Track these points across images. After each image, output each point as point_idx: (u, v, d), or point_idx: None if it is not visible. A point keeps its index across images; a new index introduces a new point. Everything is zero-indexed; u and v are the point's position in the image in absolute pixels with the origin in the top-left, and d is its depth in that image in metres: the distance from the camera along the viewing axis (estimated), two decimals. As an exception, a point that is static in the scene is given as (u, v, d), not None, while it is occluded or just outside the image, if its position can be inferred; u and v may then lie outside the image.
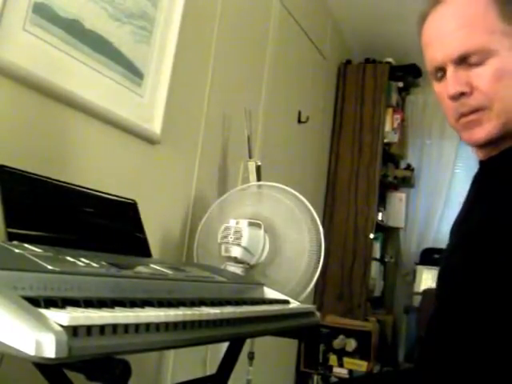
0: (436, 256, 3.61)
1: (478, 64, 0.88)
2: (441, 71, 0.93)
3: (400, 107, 3.90)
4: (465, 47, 0.88)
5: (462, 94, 0.89)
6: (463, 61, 0.89)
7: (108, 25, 1.53)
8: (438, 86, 0.96)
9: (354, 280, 3.42)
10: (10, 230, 0.99)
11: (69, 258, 0.87)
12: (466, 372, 0.85)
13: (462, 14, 0.90)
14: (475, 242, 0.88)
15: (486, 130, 0.90)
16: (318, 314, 1.36)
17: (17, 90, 1.28)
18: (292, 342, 3.00)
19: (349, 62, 3.72)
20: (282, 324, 1.19)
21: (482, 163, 0.99)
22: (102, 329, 0.64)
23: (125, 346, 0.68)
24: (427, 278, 3.64)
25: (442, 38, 0.92)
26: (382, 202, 3.79)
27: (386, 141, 3.61)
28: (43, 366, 1.00)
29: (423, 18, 0.96)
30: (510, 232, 0.82)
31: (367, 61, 3.69)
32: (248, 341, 1.82)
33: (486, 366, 0.83)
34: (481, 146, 0.94)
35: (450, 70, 0.90)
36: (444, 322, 0.93)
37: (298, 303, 1.33)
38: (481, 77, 0.88)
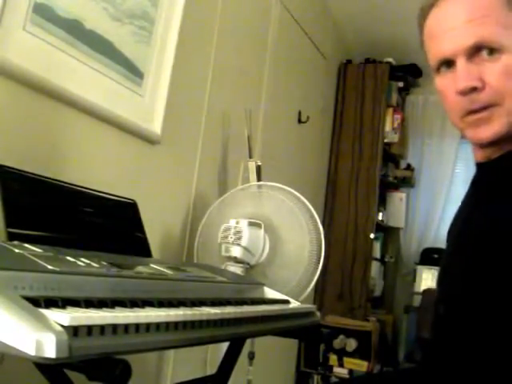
0: (436, 256, 3.61)
1: (491, 59, 0.84)
2: (447, 65, 0.88)
3: (400, 107, 3.91)
4: (479, 37, 0.84)
5: (474, 89, 0.85)
6: (476, 52, 0.85)
7: (108, 25, 1.53)
8: (441, 80, 0.90)
9: (354, 280, 3.42)
10: (10, 229, 0.99)
11: (69, 258, 0.87)
12: (476, 375, 0.85)
13: (473, 5, 0.86)
14: (481, 246, 0.86)
15: (495, 127, 0.86)
16: (318, 313, 1.36)
17: (17, 90, 1.28)
18: (292, 341, 3.00)
19: (349, 61, 3.73)
20: (282, 324, 1.18)
21: (479, 165, 0.96)
22: (103, 329, 0.64)
23: (125, 346, 0.68)
24: (427, 278, 3.65)
25: (451, 29, 0.87)
26: (382, 202, 3.79)
27: (386, 141, 3.61)
28: (44, 365, 1.00)
29: (425, 11, 0.92)
30: None
31: (367, 61, 3.69)
32: (248, 341, 1.82)
33: (497, 370, 0.82)
34: (483, 145, 0.91)
35: (461, 62, 0.85)
36: (455, 326, 0.90)
37: (298, 303, 1.33)
38: (493, 72, 0.84)
